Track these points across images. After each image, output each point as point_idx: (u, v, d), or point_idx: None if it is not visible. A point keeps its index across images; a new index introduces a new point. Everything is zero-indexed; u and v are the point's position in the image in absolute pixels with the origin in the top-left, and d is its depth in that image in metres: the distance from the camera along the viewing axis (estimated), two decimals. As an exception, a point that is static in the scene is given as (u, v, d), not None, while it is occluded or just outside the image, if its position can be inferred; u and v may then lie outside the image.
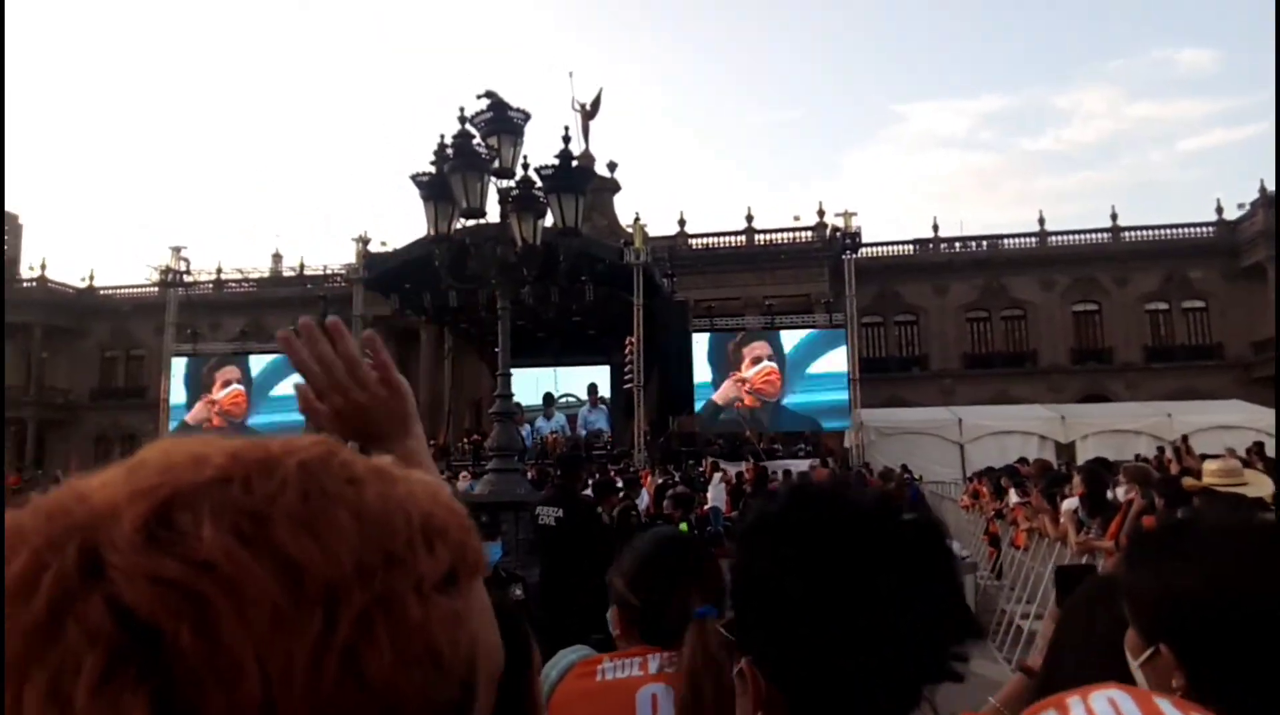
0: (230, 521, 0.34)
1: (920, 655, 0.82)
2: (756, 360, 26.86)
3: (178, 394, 30.81)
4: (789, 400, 27.00)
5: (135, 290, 41.40)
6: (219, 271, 39.07)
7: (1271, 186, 33.36)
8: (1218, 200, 35.97)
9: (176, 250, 30.56)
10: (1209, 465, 4.91)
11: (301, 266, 38.29)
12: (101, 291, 43.47)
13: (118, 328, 41.98)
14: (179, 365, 30.90)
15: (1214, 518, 1.03)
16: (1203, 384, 31.69)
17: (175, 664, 0.30)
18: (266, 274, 39.46)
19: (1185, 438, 13.83)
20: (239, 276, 39.14)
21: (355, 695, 0.33)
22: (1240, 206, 34.63)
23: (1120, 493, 6.50)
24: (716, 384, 26.99)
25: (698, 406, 26.70)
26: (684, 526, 7.61)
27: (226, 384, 30.57)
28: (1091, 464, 8.05)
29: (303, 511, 0.35)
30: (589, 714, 1.50)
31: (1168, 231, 36.04)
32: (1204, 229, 35.68)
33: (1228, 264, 34.37)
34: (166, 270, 30.46)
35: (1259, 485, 4.18)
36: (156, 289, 32.80)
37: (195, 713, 0.29)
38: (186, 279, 31.23)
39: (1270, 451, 14.84)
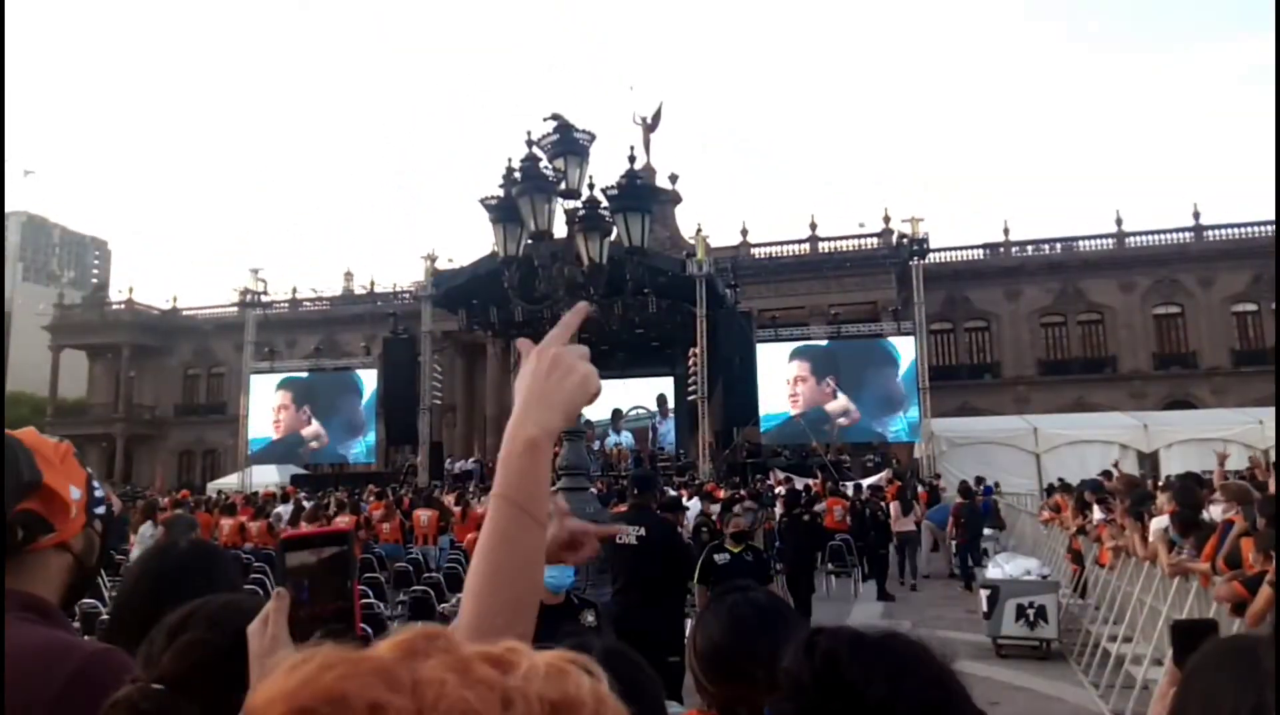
0: None
1: None
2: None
3: (257, 410, 31.92)
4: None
5: (216, 311, 43.07)
6: (294, 291, 40.42)
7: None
8: (1310, 195, 34.25)
9: (255, 272, 31.77)
10: None
11: (372, 284, 39.29)
12: (185, 312, 45.35)
13: (200, 346, 43.70)
14: (258, 382, 32.01)
15: None
16: (1297, 388, 30.11)
17: None
18: (339, 293, 40.62)
19: (1268, 452, 13.13)
20: (313, 295, 40.40)
21: None
22: (1334, 201, 32.96)
23: (1216, 512, 6.21)
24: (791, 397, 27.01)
25: (763, 418, 26.56)
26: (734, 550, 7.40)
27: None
28: (1183, 480, 7.71)
29: None
30: None
31: (1254, 228, 34.46)
32: (1294, 225, 34.03)
33: (1322, 261, 32.70)
34: (246, 291, 31.65)
35: None
36: (236, 309, 34.06)
37: None
38: (264, 299, 32.37)
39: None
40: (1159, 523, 7.12)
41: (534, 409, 0.95)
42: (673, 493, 12.90)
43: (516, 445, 0.93)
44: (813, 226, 33.96)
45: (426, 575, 10.19)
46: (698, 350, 23.85)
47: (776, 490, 15.61)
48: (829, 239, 33.66)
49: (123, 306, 44.53)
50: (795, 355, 26.95)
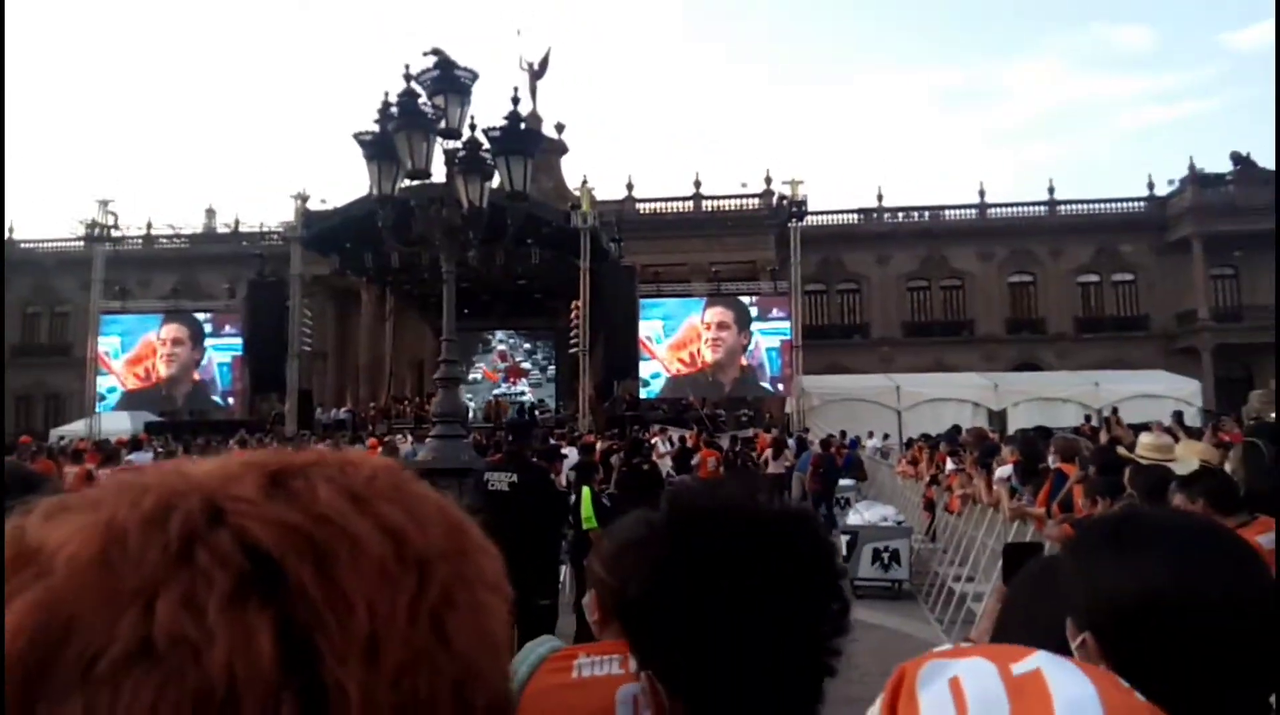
0: (340, 487, 0.39)
1: (807, 650, 0.86)
2: (722, 326, 27.10)
3: (109, 354, 29.79)
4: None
5: (59, 244, 39.63)
6: (149, 227, 37.63)
7: (1200, 164, 34.54)
8: (1149, 176, 37.07)
9: (104, 204, 29.31)
10: (1144, 439, 5.10)
11: (237, 223, 37.13)
12: (22, 244, 41.55)
13: (40, 283, 40.20)
14: (108, 325, 29.83)
15: (1157, 516, 1.05)
16: (1130, 354, 32.87)
17: (296, 596, 0.34)
18: (200, 230, 38.15)
19: (1115, 409, 14.33)
20: (170, 232, 37.75)
21: (441, 654, 0.37)
22: (1170, 183, 35.77)
23: (1051, 461, 6.74)
24: (665, 354, 27.13)
25: (644, 373, 26.80)
26: (587, 493, 7.58)
27: (178, 344, 29.73)
28: (1028, 433, 8.31)
29: (396, 495, 0.40)
30: (562, 712, 1.41)
31: (1101, 206, 37.08)
32: (1135, 204, 36.78)
33: (1156, 239, 35.53)
34: (93, 224, 29.19)
35: (1186, 460, 4.36)
36: (82, 244, 31.42)
37: (311, 639, 0.34)
38: (114, 234, 30.02)
39: (1189, 421, 15.53)
40: (1003, 472, 7.67)
41: None
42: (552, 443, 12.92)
43: None
44: (697, 184, 34.25)
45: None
46: (580, 303, 23.80)
47: (652, 441, 15.88)
48: (713, 198, 34.04)
49: (-52, 236, 40.45)
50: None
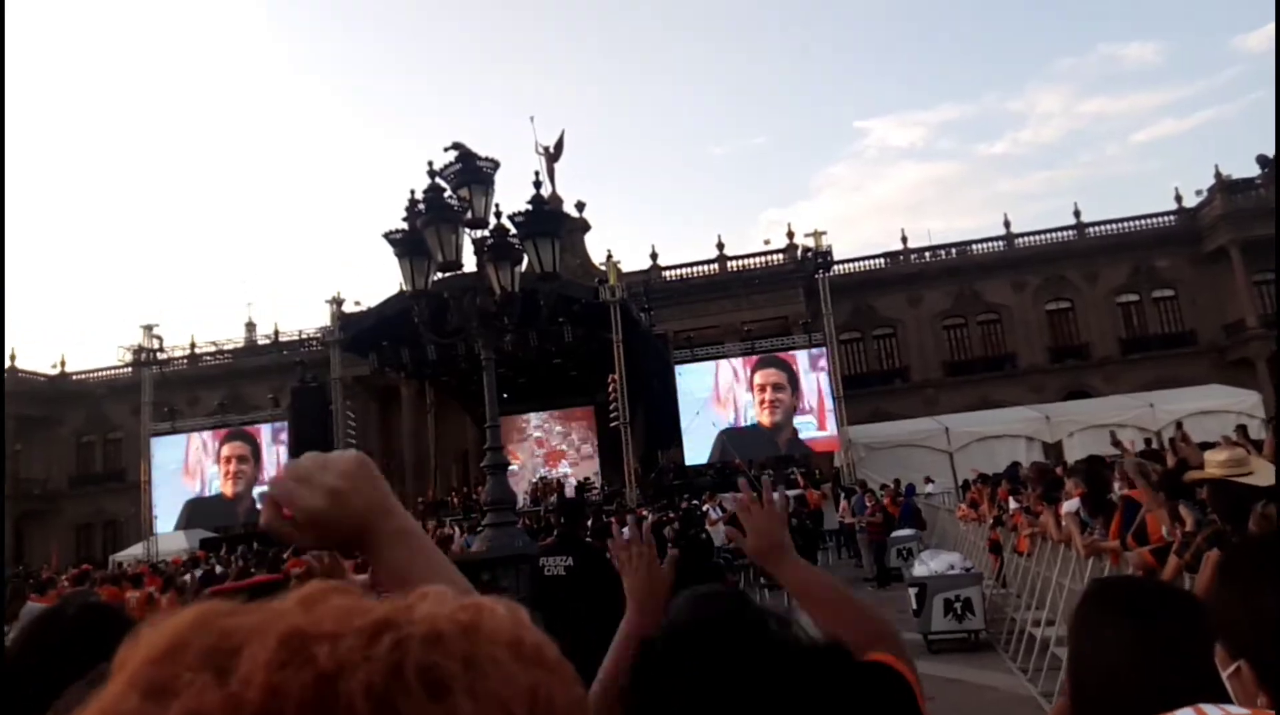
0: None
1: None
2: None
3: (163, 474, 30.39)
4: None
5: (109, 372, 40.84)
6: (193, 346, 38.71)
7: (1226, 171, 34.14)
8: (1175, 189, 36.69)
9: (148, 328, 30.29)
10: (1213, 456, 4.89)
11: (276, 333, 38.04)
12: (74, 377, 42.89)
13: (93, 412, 41.36)
14: (160, 445, 30.49)
15: None
16: (1180, 371, 32.03)
17: None
18: (241, 344, 39.15)
19: (1180, 424, 13.83)
20: (213, 349, 38.78)
21: None
22: (1198, 193, 35.34)
23: (1118, 489, 6.49)
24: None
25: (685, 440, 26.66)
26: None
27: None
28: (1088, 463, 8.04)
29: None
30: None
31: (1131, 224, 36.65)
32: (1165, 218, 36.31)
33: (1192, 251, 34.95)
34: (139, 349, 30.14)
35: (1264, 473, 4.17)
36: (130, 369, 32.38)
37: None
38: (160, 356, 30.93)
39: (1254, 433, 14.96)
40: (1070, 506, 7.39)
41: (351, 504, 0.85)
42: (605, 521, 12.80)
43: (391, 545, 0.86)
44: (720, 247, 34.53)
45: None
46: (616, 376, 23.88)
47: (704, 509, 15.66)
48: (737, 258, 34.27)
49: (4, 374, 41.91)
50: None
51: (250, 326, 39.91)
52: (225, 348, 38.83)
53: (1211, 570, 4.55)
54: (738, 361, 27.35)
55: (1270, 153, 34.16)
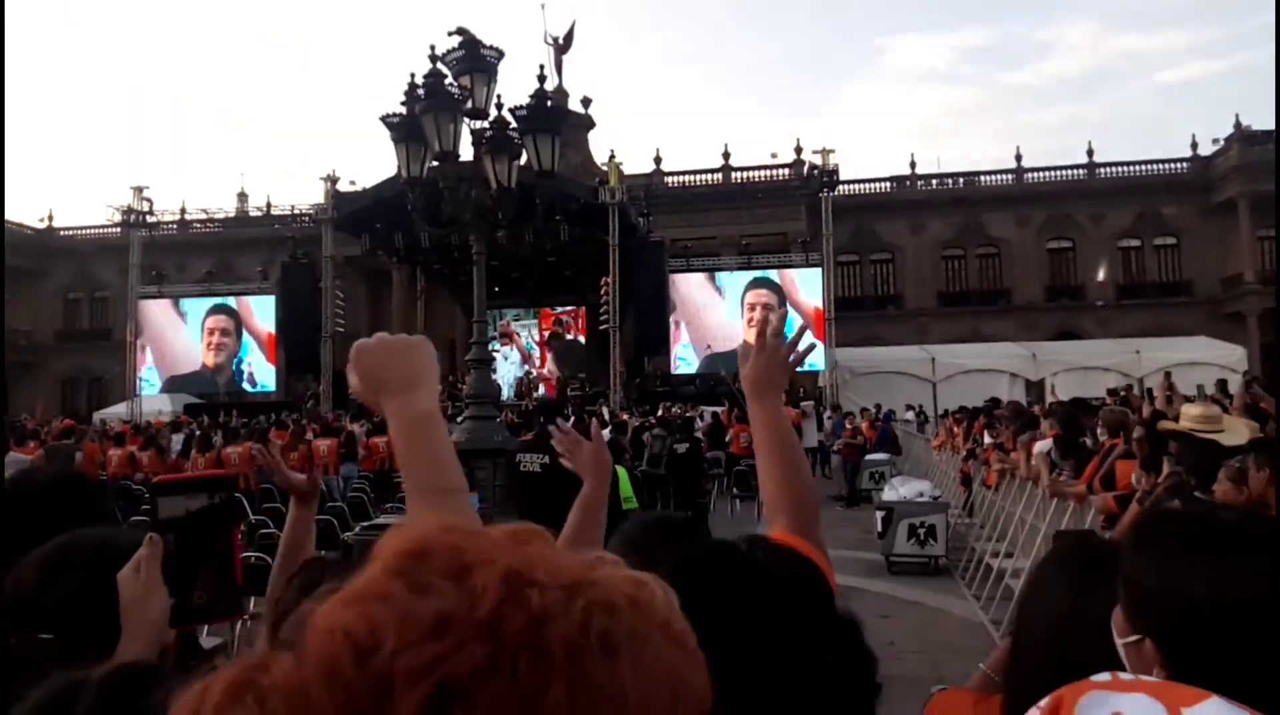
0: (589, 635, 0.42)
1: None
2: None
3: (149, 336, 30.41)
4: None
5: (97, 231, 40.31)
6: (183, 212, 38.09)
7: (1247, 121, 33.43)
8: (1192, 136, 36.01)
9: (139, 190, 29.75)
10: (1188, 409, 4.94)
11: (268, 206, 37.42)
12: (62, 232, 42.33)
13: (80, 269, 41.03)
14: (147, 307, 30.40)
15: (1229, 517, 0.99)
16: (1173, 320, 32.12)
17: None
18: (232, 214, 38.56)
19: (1168, 374, 13.93)
20: (204, 217, 38.21)
21: None
22: (1215, 142, 34.69)
23: (1100, 435, 6.57)
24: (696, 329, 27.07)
25: (674, 349, 26.75)
26: (623, 472, 7.63)
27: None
28: (1068, 406, 8.13)
29: (638, 659, 0.42)
30: None
31: (1142, 168, 36.07)
32: (1178, 165, 35.75)
33: (1201, 200, 34.56)
34: (129, 211, 29.65)
35: (1235, 431, 4.22)
36: (119, 230, 31.93)
37: None
38: (150, 220, 30.46)
39: (1233, 388, 15.12)
40: (1042, 446, 7.52)
41: (397, 383, 1.07)
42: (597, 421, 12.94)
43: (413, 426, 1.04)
44: (726, 156, 33.88)
45: (329, 504, 10.01)
46: (610, 279, 23.74)
47: (684, 417, 15.85)
48: (742, 169, 33.66)
49: (-9, 225, 41.25)
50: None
51: (243, 197, 39.23)
52: (216, 216, 38.25)
53: (1131, 519, 4.65)
54: (730, 277, 27.22)
55: (1295, 106, 33.38)
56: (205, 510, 1.09)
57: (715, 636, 0.85)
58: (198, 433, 14.59)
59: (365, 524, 8.00)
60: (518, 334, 32.79)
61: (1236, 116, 33.52)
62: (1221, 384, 14.52)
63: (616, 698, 0.42)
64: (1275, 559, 0.91)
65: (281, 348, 29.35)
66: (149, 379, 29.97)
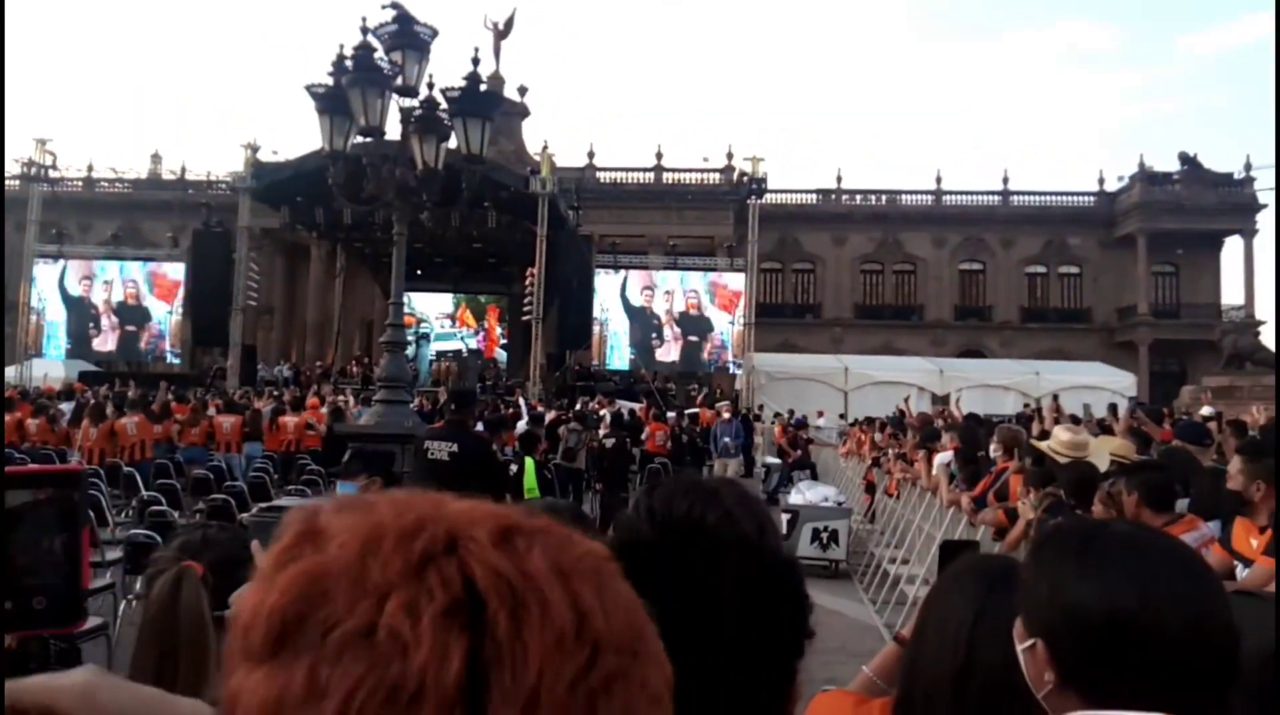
0: (551, 557, 0.44)
1: (766, 675, 0.87)
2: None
3: (51, 303, 28.90)
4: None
5: (-8, 182, 37.91)
6: (90, 169, 36.17)
7: (1150, 163, 35.31)
8: (1100, 172, 37.84)
9: (41, 143, 28.06)
10: (1059, 433, 5.21)
11: (183, 170, 35.83)
12: (-48, 180, 39.74)
13: (-29, 222, 38.59)
14: (45, 269, 28.82)
15: (1122, 531, 1.06)
16: (1071, 346, 33.73)
17: (489, 634, 0.40)
18: (144, 176, 36.80)
19: (1056, 397, 14.68)
20: (113, 176, 36.33)
21: None
22: (1120, 179, 36.54)
23: (993, 451, 6.86)
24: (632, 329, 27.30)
25: (610, 349, 26.93)
26: (530, 463, 7.70)
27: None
28: (968, 421, 8.46)
29: (596, 580, 0.45)
30: None
31: (1052, 199, 37.80)
32: (1085, 199, 37.56)
33: (1104, 233, 36.37)
34: (30, 163, 27.93)
35: (1099, 458, 4.46)
36: (18, 183, 30.10)
37: (487, 675, 0.39)
38: (53, 174, 28.79)
39: (1121, 412, 16.00)
40: (942, 458, 7.81)
41: None
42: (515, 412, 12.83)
43: None
44: (658, 156, 34.00)
45: (228, 484, 9.68)
46: (536, 270, 23.56)
47: (601, 413, 15.86)
48: (674, 170, 33.83)
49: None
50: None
51: (156, 159, 37.53)
52: (126, 176, 36.44)
53: (1019, 533, 4.90)
54: (655, 276, 27.47)
55: (1192, 152, 35.47)
56: (57, 502, 1.02)
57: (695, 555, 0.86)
58: (91, 402, 13.90)
59: (264, 505, 7.75)
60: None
61: (1141, 157, 35.45)
62: (1112, 408, 15.34)
63: (628, 600, 0.45)
64: (1148, 570, 0.96)
65: (188, 318, 28.18)
66: (52, 342, 28.56)
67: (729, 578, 0.86)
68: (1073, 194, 37.87)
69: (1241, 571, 3.44)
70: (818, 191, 38.41)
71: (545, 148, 27.35)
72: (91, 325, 29.36)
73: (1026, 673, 1.00)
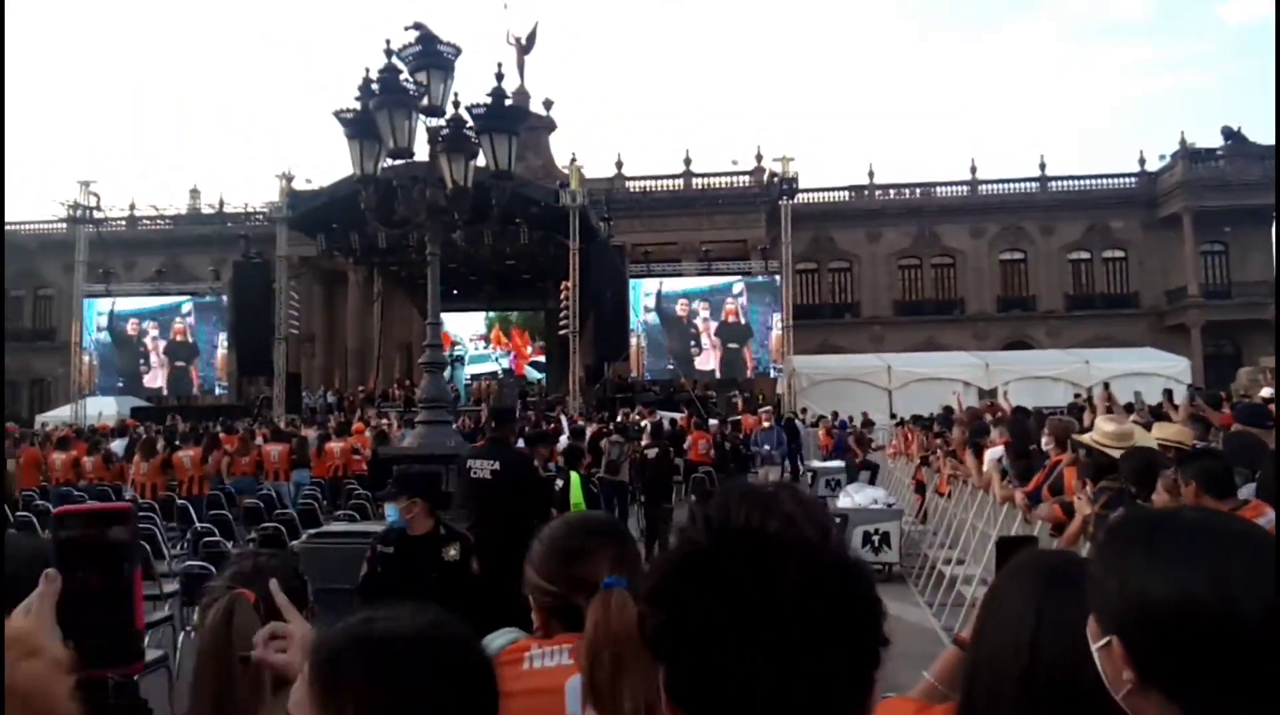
0: None
1: (839, 686, 0.81)
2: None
3: (95, 339, 29.63)
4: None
5: (41, 227, 39.09)
6: (132, 208, 37.10)
7: (1192, 139, 34.43)
8: (1140, 152, 36.99)
9: (85, 185, 28.88)
10: (1102, 424, 5.03)
11: (221, 204, 36.59)
12: (4, 227, 41.00)
13: (24, 266, 39.72)
14: (95, 308, 29.60)
15: (1192, 517, 1.00)
16: (1120, 332, 32.92)
17: None
18: (184, 212, 37.65)
19: (1107, 386, 14.28)
20: (154, 213, 37.24)
21: None
22: (1161, 158, 35.66)
23: (1045, 443, 6.66)
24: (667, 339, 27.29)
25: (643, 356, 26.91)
26: (575, 478, 7.62)
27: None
28: (1016, 414, 8.24)
29: None
30: (515, 706, 1.41)
31: (1092, 182, 36.97)
32: (1126, 180, 36.68)
33: (1147, 215, 35.49)
34: (75, 205, 28.74)
35: (1148, 445, 4.28)
36: (65, 226, 30.95)
37: None
38: (97, 215, 29.59)
39: (1178, 398, 15.51)
40: (993, 454, 7.60)
41: None
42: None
43: None
44: (687, 162, 33.96)
45: (278, 511, 9.78)
46: (570, 284, 23.63)
47: (643, 424, 15.79)
48: (703, 175, 33.76)
49: (-71, 219, 39.80)
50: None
51: (195, 193, 38.35)
52: (166, 213, 37.32)
53: (1077, 527, 4.74)
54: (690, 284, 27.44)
55: (1235, 125, 34.51)
56: (110, 539, 1.00)
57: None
58: (143, 437, 14.17)
59: (314, 531, 7.81)
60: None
61: (1182, 134, 34.56)
62: (1168, 393, 14.88)
63: None
64: (1221, 557, 0.90)
65: (233, 350, 28.73)
66: (102, 383, 29.30)
67: (793, 585, 0.80)
68: (1113, 175, 37.00)
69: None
70: (850, 188, 38.04)
71: (573, 160, 27.47)
72: (141, 362, 30.05)
73: (1103, 673, 0.94)
